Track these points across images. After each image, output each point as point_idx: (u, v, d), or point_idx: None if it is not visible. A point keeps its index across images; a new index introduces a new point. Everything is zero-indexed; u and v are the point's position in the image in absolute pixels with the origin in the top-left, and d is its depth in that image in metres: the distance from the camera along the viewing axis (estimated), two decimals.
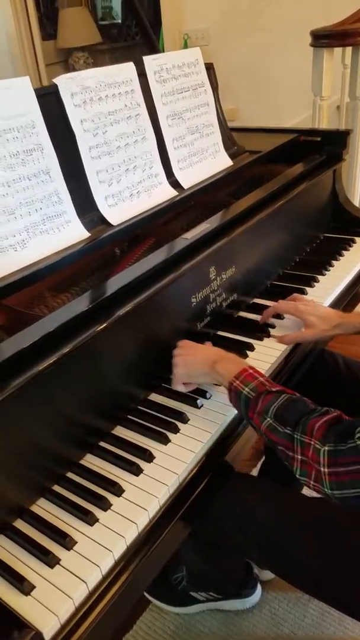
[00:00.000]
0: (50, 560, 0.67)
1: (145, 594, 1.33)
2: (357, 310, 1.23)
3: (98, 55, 4.68)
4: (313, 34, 2.06)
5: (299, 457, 0.74)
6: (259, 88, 3.11)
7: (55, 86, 0.99)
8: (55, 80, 0.99)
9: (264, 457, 1.44)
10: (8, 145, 0.90)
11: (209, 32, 3.24)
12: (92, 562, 0.67)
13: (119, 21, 5.08)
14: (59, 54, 4.51)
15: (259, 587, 1.31)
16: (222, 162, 1.32)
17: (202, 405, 0.92)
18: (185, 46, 3.31)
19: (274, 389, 0.82)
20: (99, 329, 0.80)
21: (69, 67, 4.53)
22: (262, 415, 0.79)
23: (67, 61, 4.52)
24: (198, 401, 0.93)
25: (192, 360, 0.93)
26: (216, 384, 0.94)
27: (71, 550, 0.69)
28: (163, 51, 3.45)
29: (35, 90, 0.94)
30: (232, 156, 1.35)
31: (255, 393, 0.82)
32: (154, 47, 1.59)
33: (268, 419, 0.78)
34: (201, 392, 0.95)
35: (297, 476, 0.75)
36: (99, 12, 4.99)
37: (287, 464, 0.77)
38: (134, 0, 1.72)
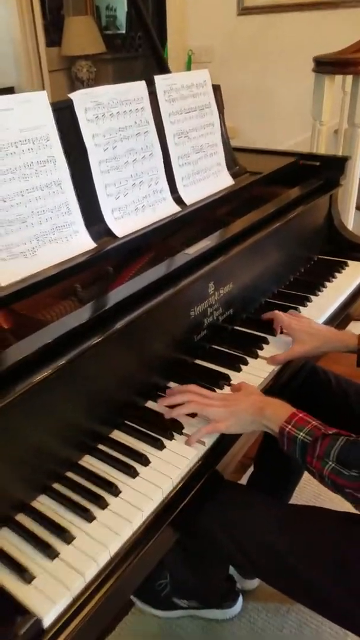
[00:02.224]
0: (50, 552, 0.71)
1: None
2: (348, 329, 1.28)
3: (101, 65, 4.75)
4: (316, 60, 2.14)
5: None
6: (259, 108, 3.19)
7: (69, 100, 1.03)
8: (71, 95, 1.04)
9: (252, 469, 1.47)
10: (23, 156, 0.94)
11: (213, 50, 3.31)
12: (90, 557, 0.71)
13: (123, 32, 5.16)
14: (63, 61, 4.56)
15: (240, 599, 1.35)
16: (224, 181, 1.37)
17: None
18: (189, 62, 3.38)
19: (330, 432, 0.82)
20: (103, 336, 0.84)
21: (72, 75, 4.59)
22: (322, 460, 0.80)
23: (70, 68, 4.57)
24: None
25: (238, 410, 0.92)
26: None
27: (70, 545, 0.73)
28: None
29: (51, 105, 0.99)
30: (234, 176, 1.41)
31: (312, 437, 0.82)
32: (161, 59, 1.63)
33: (330, 462, 0.79)
34: None
35: None
36: (103, 21, 5.07)
37: (356, 505, 0.78)
38: (141, 11, 1.76)
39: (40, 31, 3.95)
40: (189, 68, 3.38)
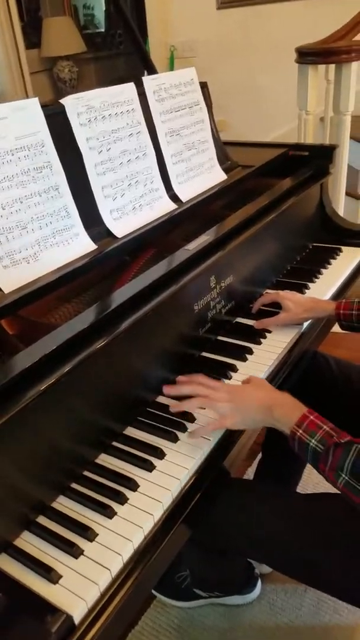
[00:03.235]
0: (74, 551, 0.73)
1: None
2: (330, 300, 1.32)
3: (83, 64, 4.73)
4: (298, 51, 2.15)
5: None
6: (246, 100, 3.20)
7: (61, 106, 1.04)
8: (62, 101, 1.05)
9: (260, 456, 1.50)
10: (20, 164, 0.95)
11: (196, 45, 3.32)
12: (114, 551, 0.73)
13: (103, 30, 5.14)
14: (44, 63, 4.54)
15: (259, 583, 1.37)
16: (217, 176, 1.39)
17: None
18: (172, 58, 3.39)
19: (342, 440, 0.79)
20: (112, 335, 0.85)
21: (54, 76, 4.58)
22: (336, 472, 0.78)
23: (51, 69, 4.56)
24: None
25: (245, 407, 0.89)
26: None
27: (93, 542, 0.75)
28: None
29: (44, 110, 1.00)
30: (226, 170, 1.42)
31: (324, 446, 0.80)
32: (145, 55, 1.64)
33: (344, 475, 0.77)
34: None
35: None
36: (81, 20, 5.04)
37: None
38: (122, 8, 1.76)
39: (18, 33, 3.92)
40: (171, 64, 3.38)
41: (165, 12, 3.34)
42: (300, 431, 0.82)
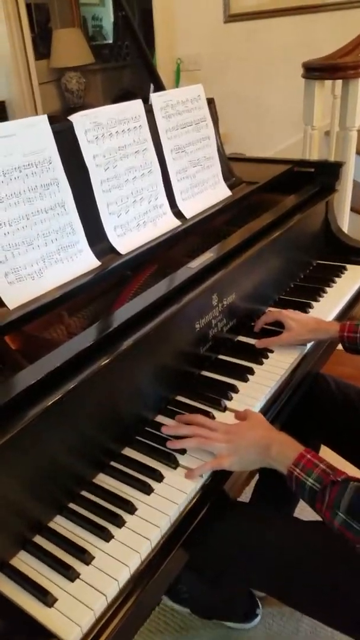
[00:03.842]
0: (70, 574, 0.72)
1: None
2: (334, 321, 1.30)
3: (90, 75, 4.77)
4: (305, 66, 2.16)
5: None
6: (250, 113, 3.22)
7: (69, 123, 1.05)
8: (71, 118, 1.05)
9: (257, 477, 1.48)
10: (27, 180, 0.96)
11: (201, 58, 3.34)
12: (110, 576, 0.72)
13: (110, 41, 5.19)
14: (52, 73, 4.59)
15: (260, 612, 1.36)
16: (221, 192, 1.39)
17: None
18: (178, 71, 3.41)
19: (339, 479, 0.79)
20: (109, 358, 0.85)
21: (61, 86, 4.61)
22: (332, 510, 0.77)
23: (59, 80, 4.59)
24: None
25: (241, 447, 0.88)
26: None
27: (90, 565, 0.74)
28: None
29: (52, 127, 1.00)
30: (231, 187, 1.42)
31: (320, 485, 0.80)
32: (151, 67, 1.65)
33: (340, 514, 0.77)
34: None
35: None
36: (89, 31, 5.09)
37: None
38: (130, 21, 1.77)
39: (29, 45, 3.97)
40: (177, 77, 3.40)
41: (172, 25, 3.36)
42: (298, 470, 0.82)
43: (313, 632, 1.33)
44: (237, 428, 0.93)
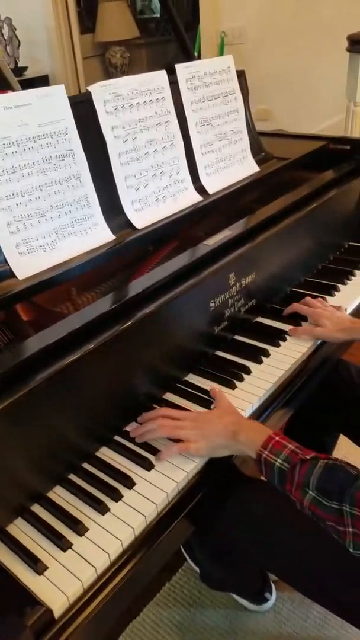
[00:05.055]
0: (63, 544, 0.73)
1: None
2: None
3: (135, 50, 4.72)
4: (350, 39, 2.07)
5: (351, 529, 0.72)
6: (293, 89, 3.11)
7: (88, 94, 1.03)
8: (89, 88, 1.03)
9: None
10: (42, 151, 0.95)
11: (246, 31, 3.25)
12: (102, 549, 0.72)
13: (158, 15, 5.10)
14: (97, 48, 4.57)
15: (273, 596, 1.35)
16: (249, 168, 1.35)
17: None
18: (222, 45, 3.33)
19: (307, 457, 0.78)
20: (121, 327, 0.84)
21: (105, 61, 4.59)
22: (302, 489, 0.76)
23: (104, 55, 4.57)
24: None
25: (209, 432, 0.87)
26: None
27: (83, 537, 0.74)
28: (199, 49, 3.47)
29: (70, 98, 0.99)
30: (260, 162, 1.38)
31: (289, 464, 0.79)
32: (183, 42, 1.61)
33: (310, 492, 0.75)
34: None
35: (351, 550, 0.72)
36: (138, 5, 5.03)
37: (338, 537, 0.74)
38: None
39: (73, 19, 3.96)
40: (221, 51, 3.32)
41: None
42: (266, 452, 0.81)
43: (323, 619, 1.31)
44: (206, 415, 0.92)
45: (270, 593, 1.34)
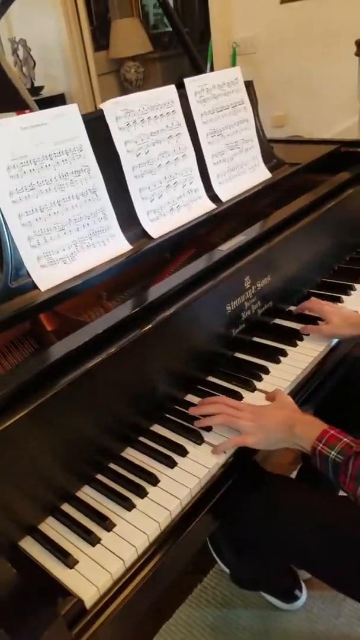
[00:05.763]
0: (92, 539, 0.76)
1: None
2: None
3: (149, 65, 4.81)
4: (358, 43, 2.09)
5: None
6: (306, 94, 3.14)
7: (101, 111, 1.08)
8: (101, 106, 1.08)
9: (301, 463, 1.48)
10: (58, 168, 1.00)
11: (257, 41, 3.29)
12: (129, 543, 0.76)
13: (171, 29, 5.17)
14: (111, 64, 4.66)
15: (304, 594, 1.36)
16: (260, 175, 1.38)
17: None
18: (234, 55, 3.37)
19: None
20: (141, 331, 0.88)
21: (120, 77, 4.68)
22: (356, 480, 0.78)
23: (118, 71, 4.66)
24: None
25: (267, 425, 0.90)
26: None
27: (111, 532, 0.78)
28: (211, 60, 3.52)
29: (83, 116, 1.04)
30: (272, 169, 1.41)
31: (344, 457, 0.81)
32: (192, 55, 1.66)
33: None
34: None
35: None
36: (151, 19, 5.12)
37: None
38: (168, 8, 1.77)
39: (87, 37, 4.06)
40: (234, 61, 3.37)
41: (229, 9, 3.32)
42: (321, 445, 0.83)
43: (355, 616, 1.32)
44: (264, 409, 0.95)
45: (301, 591, 1.35)
